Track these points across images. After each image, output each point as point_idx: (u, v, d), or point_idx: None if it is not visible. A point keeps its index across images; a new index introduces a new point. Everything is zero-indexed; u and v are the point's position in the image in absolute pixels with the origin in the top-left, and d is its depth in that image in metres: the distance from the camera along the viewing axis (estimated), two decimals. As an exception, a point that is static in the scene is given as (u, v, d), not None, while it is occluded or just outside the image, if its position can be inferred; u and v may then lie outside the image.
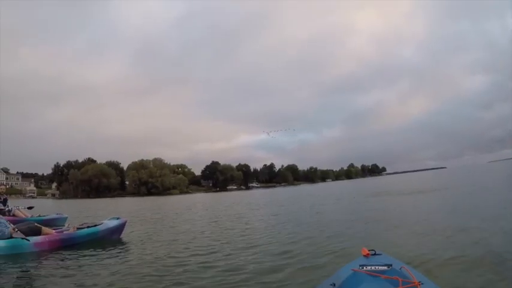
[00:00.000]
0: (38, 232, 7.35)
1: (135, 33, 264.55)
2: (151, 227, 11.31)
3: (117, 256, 6.61)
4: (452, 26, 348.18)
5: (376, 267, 2.96)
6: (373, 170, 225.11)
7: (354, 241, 6.75)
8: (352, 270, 2.97)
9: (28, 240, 7.04)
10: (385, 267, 2.94)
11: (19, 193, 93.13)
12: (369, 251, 3.42)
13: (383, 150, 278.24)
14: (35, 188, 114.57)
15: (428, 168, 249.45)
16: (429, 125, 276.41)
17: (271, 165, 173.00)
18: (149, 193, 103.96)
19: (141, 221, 13.17)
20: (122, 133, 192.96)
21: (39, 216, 12.88)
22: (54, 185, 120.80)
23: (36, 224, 7.78)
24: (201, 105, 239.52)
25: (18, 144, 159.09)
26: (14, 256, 6.57)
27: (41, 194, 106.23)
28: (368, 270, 2.92)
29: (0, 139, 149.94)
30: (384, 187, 30.71)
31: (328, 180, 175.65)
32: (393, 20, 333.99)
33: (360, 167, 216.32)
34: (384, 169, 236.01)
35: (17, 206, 12.79)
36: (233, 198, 35.97)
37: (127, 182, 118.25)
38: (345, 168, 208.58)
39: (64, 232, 7.85)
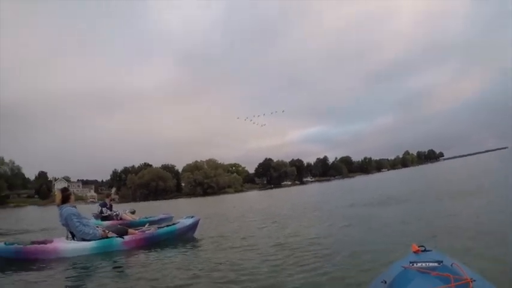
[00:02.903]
0: (125, 233, 7.87)
1: (177, 37, 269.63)
2: (218, 225, 11.86)
3: (194, 252, 7.18)
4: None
5: (427, 264, 2.83)
6: (430, 156, 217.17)
7: (404, 238, 6.44)
8: (403, 267, 2.87)
9: (123, 238, 7.64)
10: (436, 264, 2.81)
11: (81, 199, 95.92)
12: (418, 247, 3.30)
13: (439, 133, 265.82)
14: (95, 194, 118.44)
15: (488, 149, 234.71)
16: (485, 102, 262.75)
17: (325, 158, 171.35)
18: (205, 193, 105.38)
19: (206, 220, 13.40)
20: (175, 137, 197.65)
21: (146, 217, 13.60)
22: (113, 190, 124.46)
23: (123, 226, 8.50)
24: (249, 103, 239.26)
25: (77, 154, 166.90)
26: (107, 254, 7.15)
27: (101, 199, 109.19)
28: (418, 267, 2.80)
29: (61, 150, 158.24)
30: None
31: (384, 170, 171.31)
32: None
33: (415, 154, 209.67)
34: (441, 154, 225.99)
35: (124, 210, 13.76)
36: (290, 196, 35.66)
37: (183, 184, 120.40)
38: (401, 156, 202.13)
39: (146, 232, 8.34)
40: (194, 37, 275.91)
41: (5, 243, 7.23)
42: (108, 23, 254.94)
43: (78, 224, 7.39)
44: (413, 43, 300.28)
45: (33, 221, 22.25)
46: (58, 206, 7.68)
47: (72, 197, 7.92)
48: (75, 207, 7.74)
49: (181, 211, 18.59)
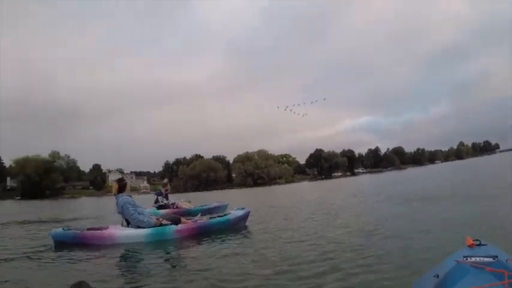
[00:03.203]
0: (178, 221, 8.09)
1: (225, 30, 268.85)
2: (269, 216, 11.63)
3: (245, 243, 7.19)
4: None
5: (481, 259, 2.63)
6: (485, 148, 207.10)
7: (458, 232, 6.08)
8: (456, 261, 2.70)
9: (176, 226, 7.87)
10: (491, 259, 2.60)
11: (134, 190, 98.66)
12: (473, 241, 3.07)
13: (495, 123, 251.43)
14: (148, 185, 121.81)
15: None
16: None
17: (376, 149, 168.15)
18: (255, 184, 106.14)
19: (257, 210, 13.14)
20: (226, 128, 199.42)
21: (201, 206, 13.88)
22: (165, 181, 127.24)
23: (176, 215, 8.79)
24: (299, 93, 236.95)
25: (129, 147, 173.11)
26: (160, 242, 7.42)
27: (154, 190, 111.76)
28: (472, 262, 2.62)
29: (114, 144, 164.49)
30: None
31: (437, 161, 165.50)
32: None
33: (470, 145, 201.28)
34: (496, 146, 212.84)
35: (180, 199, 14.01)
36: (341, 187, 35.03)
37: (233, 175, 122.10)
38: (455, 147, 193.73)
39: (198, 221, 8.59)
40: (241, 29, 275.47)
41: (63, 229, 7.67)
42: (155, 20, 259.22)
43: (133, 212, 7.69)
44: (468, 24, 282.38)
45: (87, 210, 23.38)
46: (114, 195, 8.06)
47: (128, 187, 8.28)
48: (130, 196, 8.10)
49: (232, 201, 18.54)
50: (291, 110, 74.92)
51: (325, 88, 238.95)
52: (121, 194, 7.96)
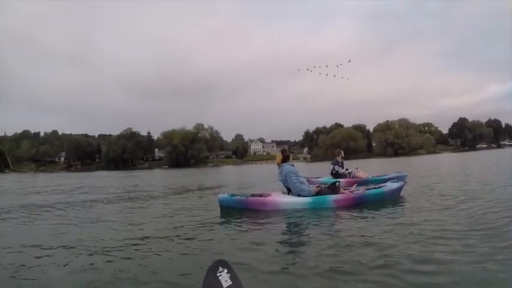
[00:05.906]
0: (336, 192, 8.51)
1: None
2: (421, 190, 10.84)
3: (398, 217, 6.88)
4: None
5: None
6: None
7: None
8: None
9: (333, 196, 8.33)
10: None
11: (275, 158, 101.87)
12: None
13: None
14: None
15: None
16: None
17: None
18: (395, 154, 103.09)
19: (407, 182, 11.81)
20: (364, 97, 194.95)
21: (378, 176, 13.85)
22: (305, 149, 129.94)
23: (332, 185, 8.83)
24: (439, 58, 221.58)
25: (270, 116, 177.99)
26: (317, 210, 7.87)
27: (294, 159, 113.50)
28: None
29: (254, 114, 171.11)
30: None
31: None
32: None
33: None
34: None
35: (357, 168, 13.90)
36: (491, 160, 31.14)
37: (373, 144, 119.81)
38: None
39: (355, 192, 8.82)
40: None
41: (228, 195, 8.59)
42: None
43: (296, 181, 8.35)
44: None
45: (237, 178, 25.77)
46: (278, 165, 8.83)
47: (291, 157, 8.98)
48: (293, 165, 8.76)
49: (377, 172, 18.23)
50: (320, 73, 58.09)
51: (469, 50, 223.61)
52: (285, 164, 8.69)
